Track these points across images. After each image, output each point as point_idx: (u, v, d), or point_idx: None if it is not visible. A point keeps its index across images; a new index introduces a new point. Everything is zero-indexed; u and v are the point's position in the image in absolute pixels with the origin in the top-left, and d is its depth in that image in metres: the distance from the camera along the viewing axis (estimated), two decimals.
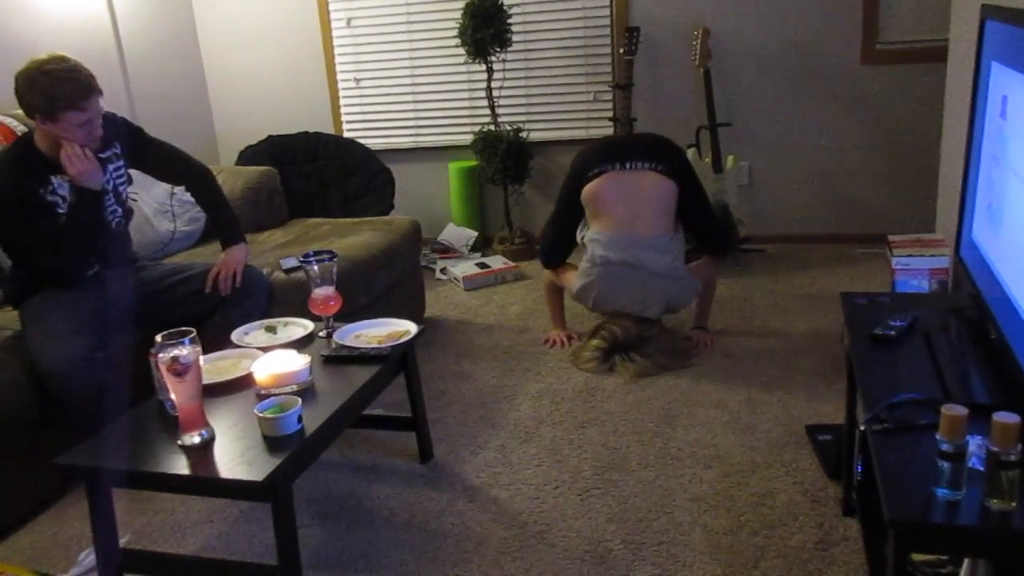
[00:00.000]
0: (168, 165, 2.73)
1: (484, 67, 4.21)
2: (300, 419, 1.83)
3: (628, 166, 2.96)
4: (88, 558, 2.08)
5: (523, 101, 4.45)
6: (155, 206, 3.36)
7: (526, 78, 4.42)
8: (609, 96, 4.30)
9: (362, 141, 4.42)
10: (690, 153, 3.90)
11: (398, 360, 2.29)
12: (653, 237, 2.92)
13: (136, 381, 2.23)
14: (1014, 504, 1.19)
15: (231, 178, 3.59)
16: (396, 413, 2.53)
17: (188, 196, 3.19)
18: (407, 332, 2.31)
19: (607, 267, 2.93)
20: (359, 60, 4.61)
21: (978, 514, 1.19)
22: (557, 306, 3.28)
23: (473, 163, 4.46)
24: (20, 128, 2.93)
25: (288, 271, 2.86)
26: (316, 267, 2.28)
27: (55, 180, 2.38)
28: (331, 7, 4.55)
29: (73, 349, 2.25)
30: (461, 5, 4.14)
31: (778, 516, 2.07)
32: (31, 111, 2.27)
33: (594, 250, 2.96)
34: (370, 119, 4.70)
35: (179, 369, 1.75)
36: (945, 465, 1.22)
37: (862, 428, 1.46)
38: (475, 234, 4.49)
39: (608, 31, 4.25)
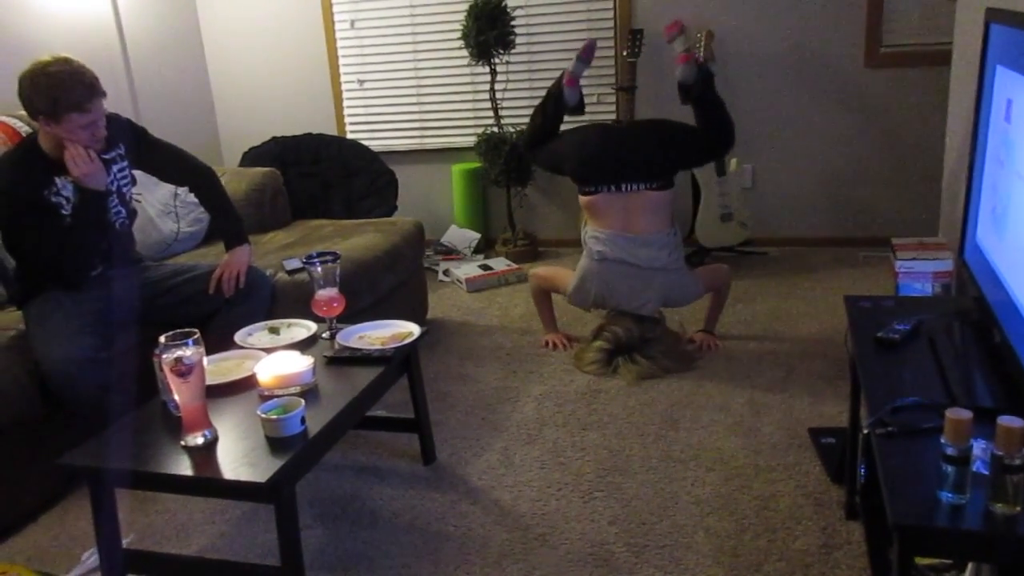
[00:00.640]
0: (172, 166, 2.74)
1: (487, 69, 4.21)
2: (303, 420, 1.83)
3: (624, 188, 2.99)
4: (91, 558, 2.08)
5: (526, 103, 4.44)
6: (159, 207, 3.36)
7: (529, 80, 4.42)
8: (612, 98, 4.30)
9: (365, 143, 4.43)
10: None
11: (401, 362, 2.29)
12: (649, 234, 2.97)
13: (140, 382, 2.23)
14: (1019, 508, 1.18)
15: (235, 179, 3.60)
16: (399, 415, 2.53)
17: (192, 197, 3.19)
18: (410, 334, 2.31)
19: (604, 263, 2.98)
20: (363, 62, 4.62)
21: (982, 518, 1.19)
22: (546, 309, 3.29)
23: (476, 165, 4.46)
24: (24, 129, 2.94)
25: (291, 272, 2.86)
26: (319, 268, 2.29)
27: (59, 181, 2.38)
28: (335, 9, 4.56)
29: (77, 350, 2.26)
30: (464, 7, 4.14)
31: (781, 519, 2.07)
32: (35, 113, 2.27)
33: (593, 246, 3.02)
34: (374, 121, 4.70)
35: (182, 370, 1.75)
36: (949, 469, 1.21)
37: (866, 431, 1.46)
38: (478, 236, 4.49)
39: (611, 33, 4.26)
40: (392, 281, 3.21)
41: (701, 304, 3.23)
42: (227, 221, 2.77)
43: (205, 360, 1.80)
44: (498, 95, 4.27)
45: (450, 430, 2.64)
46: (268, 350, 2.20)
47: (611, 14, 4.23)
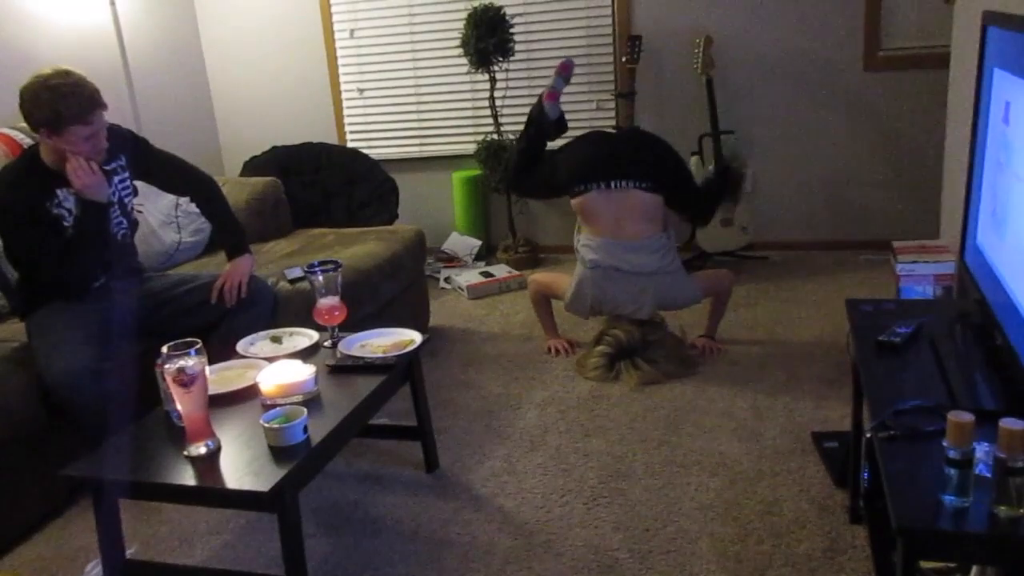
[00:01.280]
0: (173, 176, 2.74)
1: (487, 76, 4.22)
2: (306, 429, 1.83)
3: (613, 185, 3.00)
4: (94, 569, 2.08)
5: (526, 110, 4.42)
6: (160, 217, 3.37)
7: (529, 87, 4.43)
8: (612, 105, 4.31)
9: (366, 151, 4.44)
10: (693, 160, 3.91)
11: (403, 369, 2.30)
12: (640, 240, 2.97)
13: (142, 392, 2.23)
14: (1022, 510, 1.18)
15: (236, 189, 3.60)
16: (401, 422, 2.53)
17: (193, 207, 3.20)
18: (412, 341, 2.31)
19: (597, 269, 2.99)
20: (362, 70, 4.63)
21: (986, 521, 1.19)
22: (547, 314, 3.29)
23: (477, 172, 4.47)
24: (26, 141, 2.94)
25: (293, 281, 2.86)
26: (321, 277, 2.29)
27: (61, 193, 2.39)
28: (334, 18, 4.58)
29: (79, 361, 2.26)
30: (464, 15, 4.15)
31: (785, 524, 2.07)
32: (36, 125, 2.28)
33: (585, 254, 3.03)
34: (374, 129, 4.71)
35: (185, 380, 1.75)
36: (952, 472, 1.21)
37: (868, 435, 1.46)
38: (479, 243, 4.49)
39: (610, 40, 4.27)
40: (393, 289, 3.21)
41: (702, 309, 3.23)
42: (228, 231, 2.77)
43: (207, 370, 1.80)
44: (498, 102, 4.28)
45: (453, 437, 2.64)
46: (270, 359, 2.21)
47: (610, 21, 4.24)
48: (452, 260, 4.47)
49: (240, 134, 4.85)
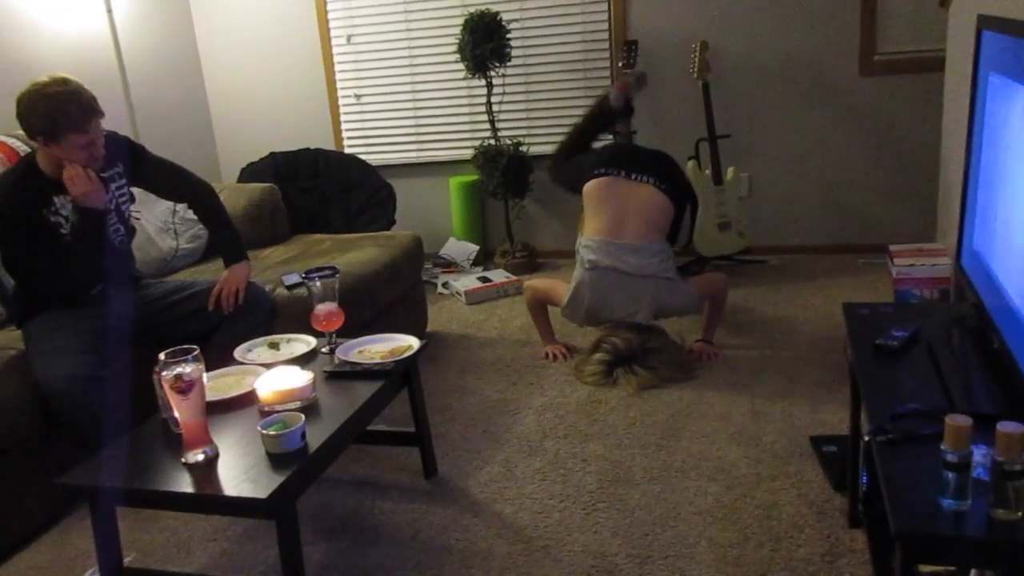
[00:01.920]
0: (170, 183, 2.75)
1: (484, 82, 4.23)
2: (304, 436, 1.83)
3: (633, 176, 3.10)
4: None
5: (523, 115, 4.46)
6: (158, 224, 3.37)
7: (526, 92, 4.44)
8: None
9: (363, 157, 4.44)
10: (690, 165, 3.92)
11: (401, 375, 2.29)
12: (639, 243, 2.99)
13: (139, 399, 2.23)
14: (1020, 514, 1.18)
15: (233, 195, 3.60)
16: (399, 428, 2.53)
17: (190, 214, 3.20)
18: (409, 347, 2.31)
19: (595, 271, 3.00)
20: (359, 76, 4.64)
21: (984, 524, 1.19)
22: (543, 320, 3.29)
23: (474, 177, 4.47)
24: (23, 149, 2.94)
25: (290, 287, 2.86)
26: (318, 283, 2.29)
27: (58, 200, 2.39)
28: (331, 24, 4.59)
29: (77, 368, 2.26)
30: (460, 21, 4.16)
31: (784, 528, 2.07)
32: (33, 133, 2.28)
33: (584, 255, 3.04)
34: (371, 135, 4.72)
35: (182, 387, 1.75)
36: (950, 475, 1.21)
37: (867, 439, 1.46)
38: (476, 248, 4.50)
39: (607, 45, 4.28)
40: (391, 294, 3.21)
41: (700, 315, 3.24)
42: (226, 237, 2.77)
43: (205, 376, 1.80)
44: (495, 108, 4.29)
45: (451, 443, 2.64)
46: (268, 365, 2.20)
47: (606, 26, 4.25)
48: (450, 265, 4.47)
49: (237, 140, 4.86)
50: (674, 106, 4.24)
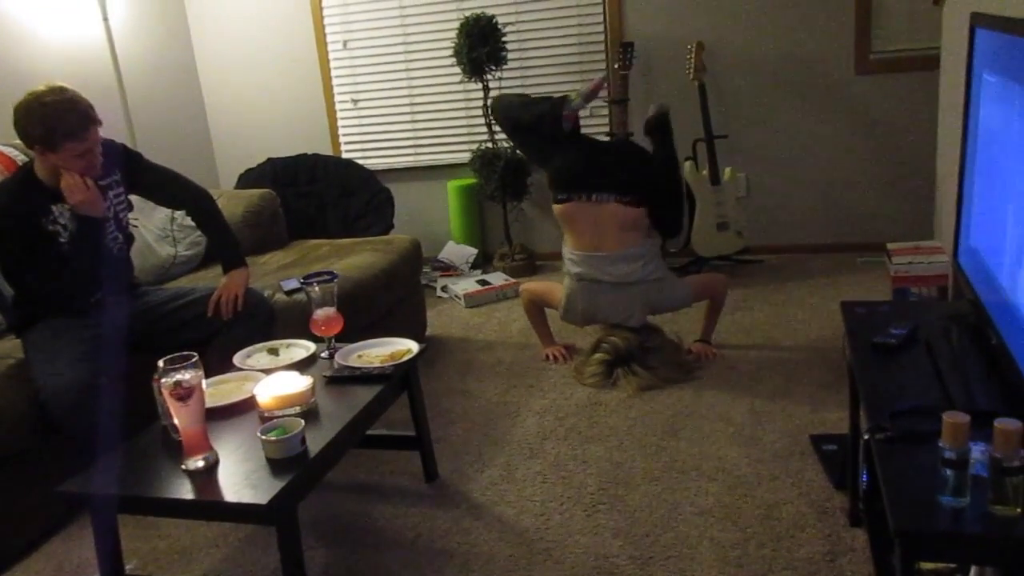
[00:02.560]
0: (168, 190, 2.75)
1: (480, 85, 4.24)
2: (303, 441, 1.83)
3: (594, 198, 2.97)
4: None
5: None
6: (156, 231, 3.37)
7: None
8: (605, 111, 4.32)
9: (361, 162, 4.45)
10: (687, 166, 3.92)
11: (401, 379, 2.29)
12: (620, 252, 2.96)
13: (139, 406, 2.23)
14: (1019, 510, 1.18)
15: (231, 201, 3.61)
16: (400, 432, 2.53)
17: (189, 221, 3.20)
18: (409, 351, 2.31)
19: (583, 282, 3.02)
20: (356, 81, 4.64)
21: (983, 521, 1.19)
22: (541, 323, 3.29)
23: (472, 181, 4.47)
24: (21, 158, 2.95)
25: (289, 293, 2.86)
26: (317, 288, 2.29)
27: (56, 209, 2.39)
28: (327, 30, 4.59)
29: (76, 376, 2.25)
30: (456, 25, 4.17)
31: (785, 528, 2.07)
32: (30, 142, 2.29)
33: (570, 268, 3.07)
34: (368, 139, 4.72)
35: (182, 393, 1.75)
36: (948, 473, 1.21)
37: (866, 437, 1.46)
38: (475, 251, 4.50)
39: (603, 47, 4.28)
40: (390, 299, 3.21)
41: (698, 315, 3.24)
42: (224, 244, 2.78)
43: (204, 383, 1.80)
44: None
45: (451, 446, 2.64)
46: (267, 371, 2.20)
47: (602, 28, 4.26)
48: (449, 269, 4.47)
49: (235, 147, 4.86)
50: (671, 107, 4.22)
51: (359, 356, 2.32)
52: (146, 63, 4.36)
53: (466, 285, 4.08)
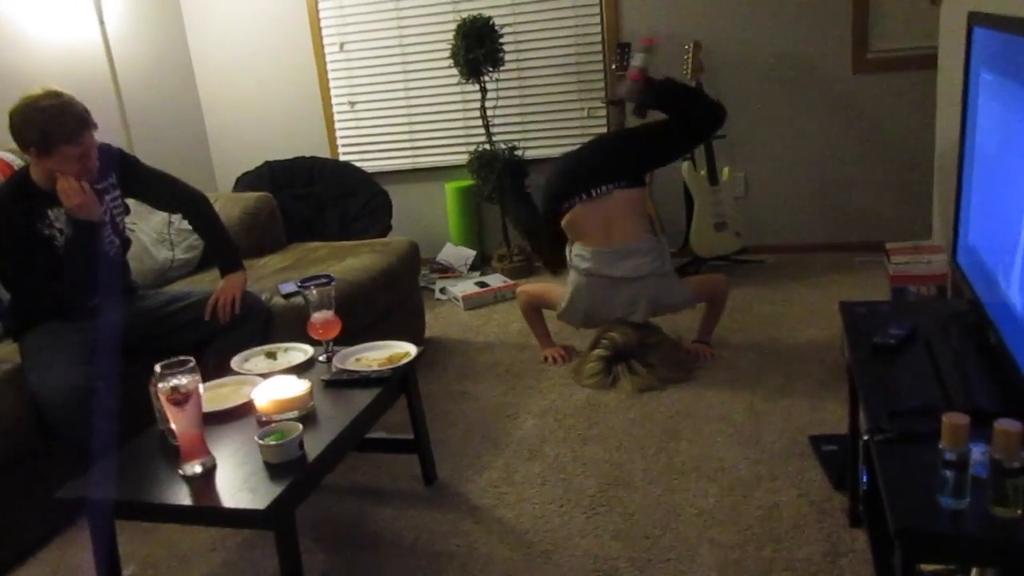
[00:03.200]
0: (164, 194, 2.74)
1: (478, 87, 4.23)
2: (302, 445, 1.82)
3: (594, 193, 3.02)
4: None
5: (517, 119, 4.46)
6: (153, 235, 3.36)
7: (520, 96, 4.44)
8: (603, 112, 4.32)
9: (358, 164, 4.44)
10: (685, 166, 3.92)
11: (399, 382, 2.29)
12: (630, 244, 2.98)
13: (136, 411, 2.22)
14: (1019, 511, 1.18)
15: (228, 204, 3.60)
16: (398, 435, 2.52)
17: (186, 224, 3.20)
18: (407, 354, 2.30)
19: (592, 277, 3.01)
20: (353, 84, 4.64)
21: (983, 522, 1.18)
22: (539, 324, 3.29)
23: (469, 182, 4.47)
24: (16, 162, 2.94)
25: (287, 296, 2.86)
26: (314, 291, 2.29)
27: (51, 213, 2.39)
28: (324, 32, 4.59)
29: (74, 380, 2.25)
30: (453, 26, 4.16)
31: (785, 528, 2.06)
32: (26, 146, 2.28)
33: (579, 264, 3.05)
34: (366, 142, 4.72)
35: (179, 398, 1.74)
36: (948, 474, 1.21)
37: (865, 438, 1.46)
38: (473, 253, 4.49)
39: (600, 48, 4.28)
40: (388, 301, 3.20)
41: (697, 315, 3.23)
42: (221, 247, 2.77)
43: (201, 387, 1.80)
44: (489, 112, 4.28)
45: (450, 449, 2.63)
46: (265, 375, 2.20)
47: (599, 29, 4.26)
48: (447, 271, 4.47)
49: (232, 149, 4.85)
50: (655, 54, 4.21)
51: (357, 359, 2.31)
52: (142, 66, 4.35)
53: (464, 287, 4.08)
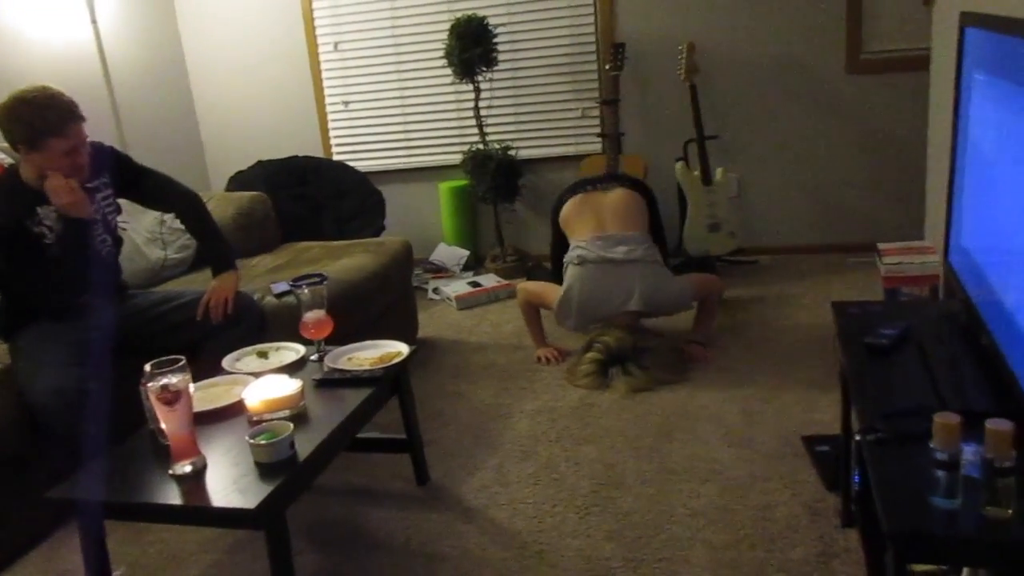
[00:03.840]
0: (157, 193, 2.72)
1: (472, 87, 4.22)
2: (292, 445, 1.81)
3: (599, 186, 3.22)
4: None
5: (511, 119, 4.46)
6: (145, 235, 3.35)
7: (514, 96, 4.43)
8: (597, 112, 4.32)
9: (352, 164, 4.43)
10: (679, 167, 3.92)
11: (391, 382, 2.28)
12: (624, 234, 3.08)
13: (127, 411, 2.21)
14: (1011, 512, 1.18)
15: (221, 204, 3.59)
16: (391, 435, 2.51)
17: (179, 224, 3.18)
18: (399, 354, 2.30)
19: (585, 265, 3.05)
20: (347, 83, 4.63)
21: (975, 523, 1.18)
22: (536, 324, 3.30)
23: (463, 182, 4.46)
24: (7, 161, 2.92)
25: (279, 296, 2.85)
26: (306, 291, 2.28)
27: (41, 211, 2.37)
28: (318, 32, 4.58)
29: (64, 380, 2.23)
30: (447, 26, 4.16)
31: (778, 529, 2.06)
32: (14, 142, 2.27)
33: (572, 257, 3.10)
34: (360, 141, 4.71)
35: (169, 398, 1.73)
36: (940, 474, 1.21)
37: (858, 438, 1.46)
38: (467, 253, 4.49)
39: (594, 48, 4.28)
40: (382, 301, 3.20)
41: (692, 316, 3.23)
42: (214, 247, 2.76)
43: (192, 387, 1.79)
44: (483, 112, 4.28)
45: (443, 449, 2.63)
46: (256, 374, 2.19)
47: (593, 29, 4.25)
48: (440, 271, 4.46)
49: (225, 149, 4.84)
50: (662, 108, 4.24)
51: (349, 359, 2.30)
52: (135, 65, 4.33)
53: (458, 287, 4.07)
